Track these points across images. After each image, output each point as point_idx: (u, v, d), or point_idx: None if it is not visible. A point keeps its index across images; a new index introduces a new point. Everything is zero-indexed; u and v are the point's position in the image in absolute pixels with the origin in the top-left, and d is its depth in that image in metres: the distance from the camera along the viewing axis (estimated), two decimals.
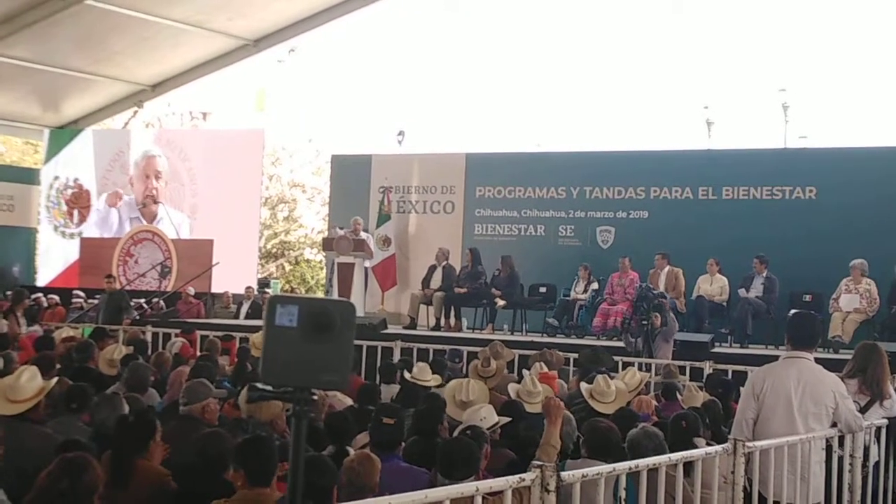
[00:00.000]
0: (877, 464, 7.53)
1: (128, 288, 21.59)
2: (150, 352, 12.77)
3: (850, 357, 8.11)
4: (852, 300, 15.16)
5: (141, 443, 6.01)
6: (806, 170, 17.73)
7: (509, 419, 7.55)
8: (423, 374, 10.67)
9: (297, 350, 3.02)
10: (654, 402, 9.36)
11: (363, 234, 18.89)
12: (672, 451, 6.14)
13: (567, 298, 17.30)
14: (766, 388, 6.68)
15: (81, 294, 22.33)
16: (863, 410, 7.27)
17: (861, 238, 16.27)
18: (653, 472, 5.25)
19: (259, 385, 3.20)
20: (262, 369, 3.07)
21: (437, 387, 10.05)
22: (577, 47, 33.77)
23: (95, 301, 20.15)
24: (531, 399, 8.76)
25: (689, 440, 6.79)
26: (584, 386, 9.03)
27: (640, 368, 11.66)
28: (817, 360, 6.92)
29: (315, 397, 3.08)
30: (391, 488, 5.17)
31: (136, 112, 28.19)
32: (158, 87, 26.31)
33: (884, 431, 7.52)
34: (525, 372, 10.37)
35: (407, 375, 10.82)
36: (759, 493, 6.26)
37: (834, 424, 6.73)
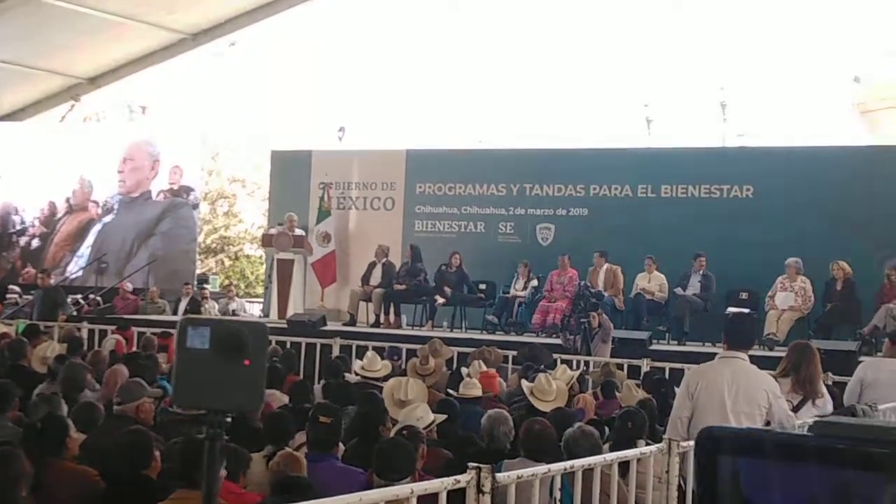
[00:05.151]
0: None
1: (63, 283, 21.35)
2: (86, 349, 12.62)
3: (784, 355, 8.21)
4: (788, 298, 15.33)
5: (55, 445, 5.96)
6: (743, 169, 17.87)
7: (445, 416, 7.57)
8: (372, 364, 10.68)
9: (209, 372, 2.98)
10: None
11: (298, 231, 18.80)
12: (614, 450, 6.19)
13: (506, 296, 17.33)
14: (701, 387, 6.75)
15: (17, 289, 22.03)
16: (796, 409, 7.36)
17: (797, 236, 16.45)
18: (588, 472, 5.27)
19: (171, 409, 3.17)
20: (173, 393, 3.04)
21: (387, 376, 10.06)
22: (516, 44, 33.83)
23: (31, 297, 19.91)
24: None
25: (633, 440, 6.84)
26: (525, 384, 9.08)
27: (577, 366, 11.77)
28: (752, 358, 7.00)
29: (229, 419, 3.04)
30: (327, 489, 5.15)
31: (73, 106, 27.85)
32: (96, 81, 26.02)
33: None
34: (464, 370, 10.40)
35: (356, 367, 10.82)
36: (694, 492, 6.31)
37: (767, 423, 6.81)
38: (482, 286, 17.80)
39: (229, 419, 3.04)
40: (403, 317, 17.81)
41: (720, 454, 2.73)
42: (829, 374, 9.81)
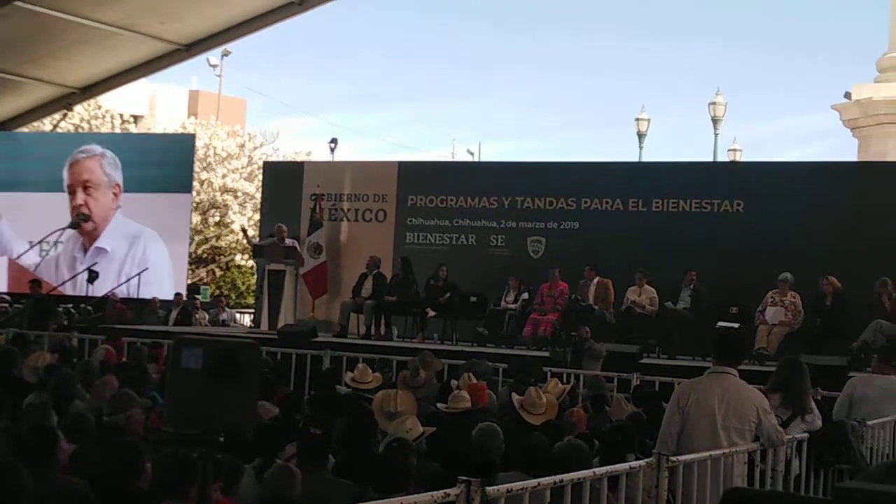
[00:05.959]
0: (798, 477, 7.65)
1: (54, 293, 21.27)
2: (76, 359, 12.57)
3: (774, 369, 8.23)
4: (778, 313, 15.37)
5: (44, 455, 5.94)
6: (734, 183, 17.94)
7: (434, 429, 7.57)
8: (363, 375, 10.65)
9: (202, 392, 2.96)
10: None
11: (289, 241, 18.78)
12: (603, 464, 6.19)
13: (497, 308, 17.34)
14: (691, 402, 6.76)
15: (7, 297, 21.97)
16: (785, 425, 7.38)
17: (787, 251, 16.48)
18: (577, 485, 5.28)
19: (164, 427, 3.15)
20: (166, 413, 3.03)
21: (378, 387, 10.03)
22: (511, 56, 34.05)
23: (21, 306, 19.84)
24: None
25: (622, 454, 6.83)
26: (515, 397, 9.07)
27: (568, 380, 11.76)
28: (742, 372, 7.02)
29: (222, 439, 3.03)
30: (317, 502, 5.15)
31: (64, 115, 27.83)
32: (88, 91, 25.98)
33: (805, 445, 7.63)
34: (454, 382, 10.40)
35: (347, 379, 10.80)
36: None
37: (756, 439, 6.83)
38: (473, 299, 17.79)
39: (222, 438, 3.02)
40: (394, 328, 17.81)
41: None
42: (819, 389, 9.82)
